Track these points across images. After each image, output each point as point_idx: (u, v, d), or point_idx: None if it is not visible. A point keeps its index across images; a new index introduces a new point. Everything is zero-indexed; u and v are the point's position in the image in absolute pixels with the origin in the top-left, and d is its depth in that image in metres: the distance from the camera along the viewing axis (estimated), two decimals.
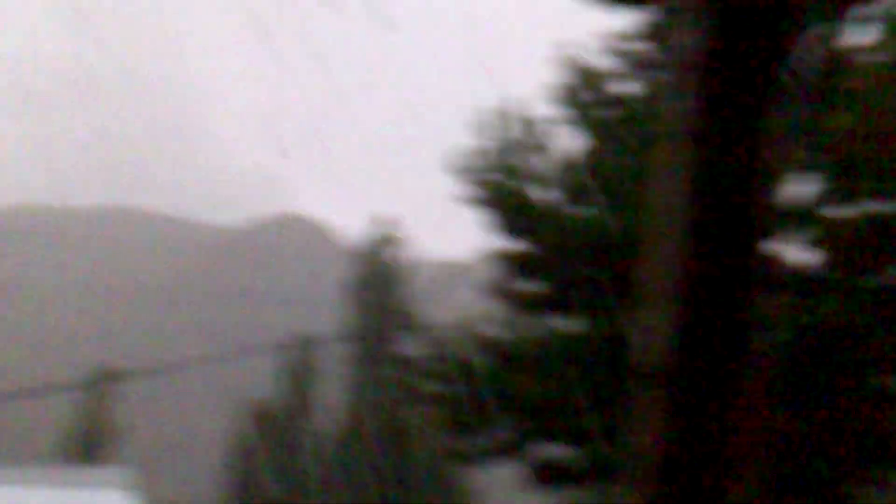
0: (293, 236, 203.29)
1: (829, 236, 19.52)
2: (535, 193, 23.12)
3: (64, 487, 40.16)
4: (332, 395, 63.61)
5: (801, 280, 19.01)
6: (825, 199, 19.84)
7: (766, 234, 4.18)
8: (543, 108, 23.44)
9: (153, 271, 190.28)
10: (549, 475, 22.69)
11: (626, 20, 21.94)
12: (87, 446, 65.38)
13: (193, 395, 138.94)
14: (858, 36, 19.67)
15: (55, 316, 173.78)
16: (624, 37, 22.31)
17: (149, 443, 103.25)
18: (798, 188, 19.64)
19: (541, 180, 23.13)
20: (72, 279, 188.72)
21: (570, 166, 22.79)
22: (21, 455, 75.09)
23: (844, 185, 19.40)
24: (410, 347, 44.91)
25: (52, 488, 39.85)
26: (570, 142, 23.19)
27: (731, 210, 4.12)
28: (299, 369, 62.86)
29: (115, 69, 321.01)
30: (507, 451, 22.91)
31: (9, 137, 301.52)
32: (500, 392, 21.79)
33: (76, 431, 66.10)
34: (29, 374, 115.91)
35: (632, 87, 22.58)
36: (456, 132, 24.66)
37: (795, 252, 19.64)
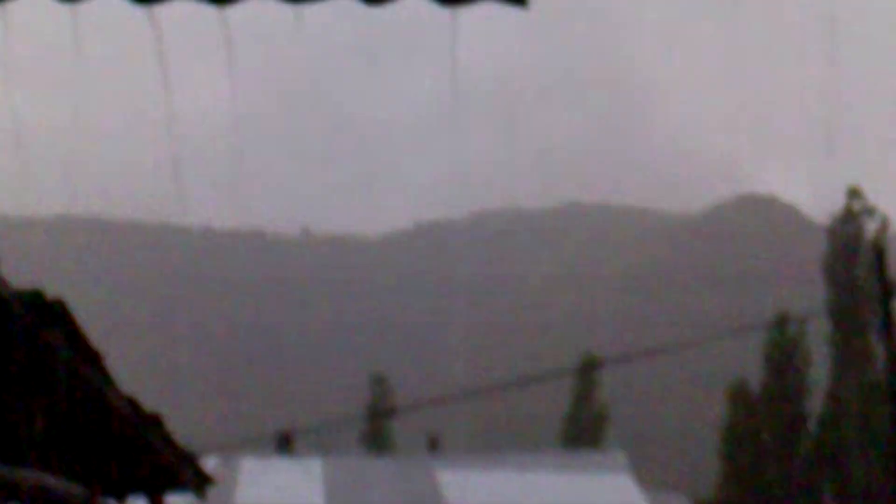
0: (758, 217, 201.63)
1: None
2: None
3: (568, 472, 42.57)
4: (815, 376, 62.82)
5: None
6: None
7: None
8: None
9: (624, 262, 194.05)
10: None
11: None
12: (580, 432, 68.22)
13: (673, 380, 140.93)
14: None
15: (543, 307, 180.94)
16: None
17: (634, 429, 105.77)
18: None
19: None
20: (551, 273, 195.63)
21: None
22: (522, 441, 78.98)
23: None
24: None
25: (557, 473, 42.34)
26: None
27: None
28: (780, 350, 62.12)
29: (559, 68, 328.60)
30: None
31: (489, 146, 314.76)
32: None
33: (570, 418, 69.14)
34: (524, 364, 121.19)
35: None
36: None
37: None
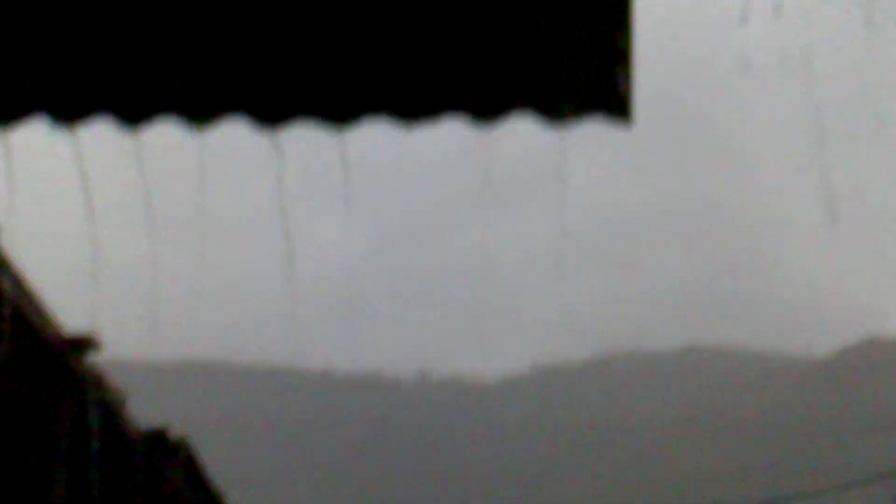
0: (888, 360, 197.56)
1: None
2: None
3: None
4: None
5: None
6: None
7: None
8: None
9: (746, 408, 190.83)
10: None
11: None
12: None
13: None
14: None
15: (663, 456, 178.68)
16: None
17: None
18: None
19: None
20: (671, 419, 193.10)
21: None
22: None
23: None
24: None
25: None
26: None
27: None
28: None
29: (676, 203, 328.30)
30: None
31: (607, 287, 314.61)
32: None
33: None
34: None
35: None
36: None
37: None
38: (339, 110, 4.27)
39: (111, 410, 8.66)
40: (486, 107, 4.31)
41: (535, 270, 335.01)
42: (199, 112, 4.24)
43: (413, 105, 4.30)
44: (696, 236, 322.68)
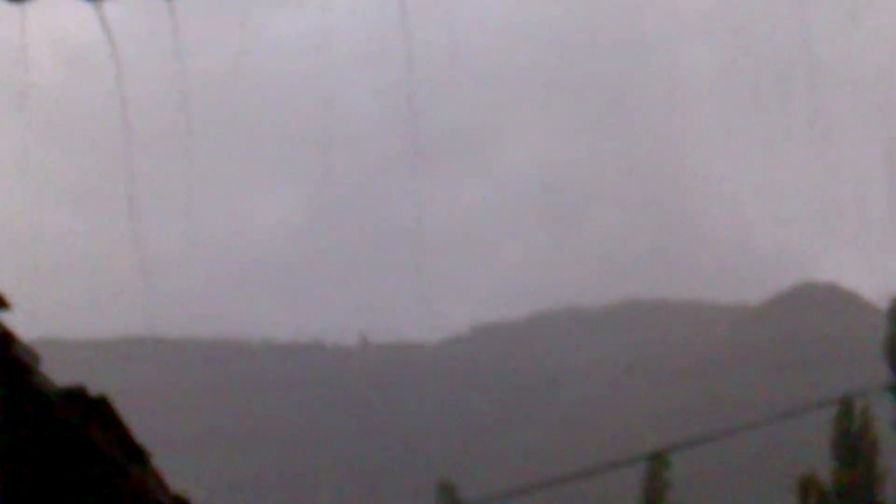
0: (818, 305, 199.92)
1: None
2: None
3: None
4: (886, 464, 61.50)
5: None
6: None
7: None
8: None
9: (684, 356, 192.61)
10: None
11: None
12: None
13: (741, 477, 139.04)
14: None
15: (604, 403, 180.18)
16: None
17: None
18: None
19: None
20: (611, 370, 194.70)
21: None
22: None
23: None
24: None
25: None
26: None
27: None
28: (847, 439, 60.79)
29: (610, 164, 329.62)
30: None
31: (545, 246, 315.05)
32: None
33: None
34: (590, 458, 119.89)
35: None
36: None
37: None
38: None
39: (26, 368, 8.51)
40: None
41: (471, 232, 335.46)
42: None
43: None
44: (631, 193, 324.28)
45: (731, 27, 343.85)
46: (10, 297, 8.87)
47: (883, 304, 68.57)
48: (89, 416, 9.27)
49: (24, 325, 8.90)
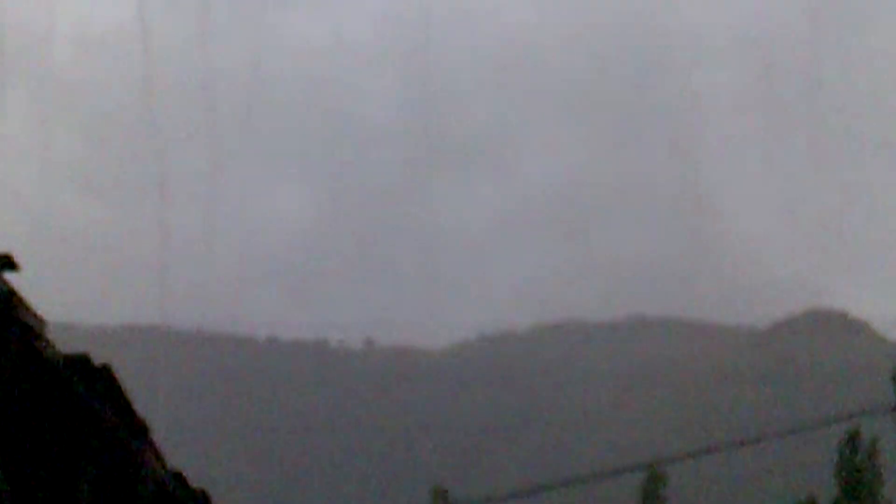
0: (827, 331, 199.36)
1: None
2: None
3: None
4: (889, 493, 61.12)
5: None
6: None
7: None
8: None
9: (688, 370, 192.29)
10: None
11: None
12: None
13: (744, 500, 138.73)
14: None
15: (604, 417, 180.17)
16: None
17: None
18: None
19: None
20: (612, 383, 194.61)
21: None
22: None
23: None
24: None
25: None
26: None
27: None
28: (852, 467, 60.00)
29: (626, 181, 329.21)
30: None
31: (555, 258, 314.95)
32: None
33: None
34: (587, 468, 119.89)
35: None
36: None
37: None
38: None
39: (32, 331, 8.51)
40: None
41: (482, 240, 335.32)
42: None
43: None
44: (644, 210, 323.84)
45: (750, 51, 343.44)
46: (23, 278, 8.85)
47: (892, 333, 68.30)
48: (92, 384, 9.26)
49: (39, 307, 8.90)
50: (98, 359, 9.56)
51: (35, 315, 8.61)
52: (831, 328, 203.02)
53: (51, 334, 8.89)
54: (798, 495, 63.97)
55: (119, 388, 9.51)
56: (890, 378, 61.63)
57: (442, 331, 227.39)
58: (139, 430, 9.95)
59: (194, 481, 11.95)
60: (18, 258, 8.54)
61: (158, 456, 10.42)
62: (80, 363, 9.01)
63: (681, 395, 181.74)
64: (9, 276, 8.40)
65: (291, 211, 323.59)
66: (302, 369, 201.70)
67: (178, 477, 11.15)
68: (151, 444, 10.22)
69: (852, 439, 61.25)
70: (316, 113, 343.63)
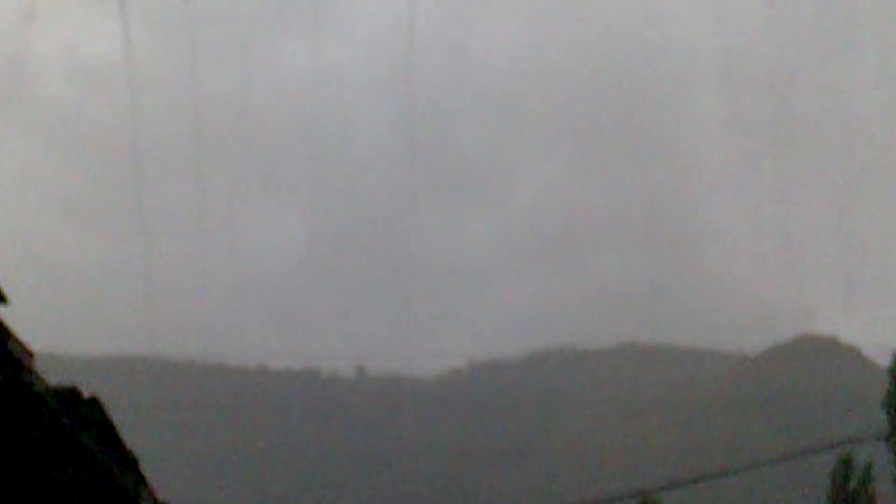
0: (818, 358, 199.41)
1: None
2: None
3: None
4: None
5: None
6: None
7: None
8: None
9: (679, 397, 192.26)
10: None
11: None
12: None
13: None
14: None
15: (606, 438, 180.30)
16: None
17: None
18: None
19: None
20: (605, 412, 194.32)
21: None
22: None
23: None
24: None
25: None
26: None
27: None
28: (848, 493, 59.77)
29: (617, 209, 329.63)
30: None
31: (547, 285, 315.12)
32: None
33: None
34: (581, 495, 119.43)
35: None
36: None
37: None
38: None
39: (20, 363, 8.44)
40: None
41: (474, 268, 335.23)
42: None
43: None
44: (635, 238, 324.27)
45: (741, 76, 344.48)
46: (13, 320, 8.81)
47: (883, 360, 68.16)
48: (80, 416, 9.19)
49: (27, 338, 8.83)
50: (87, 389, 9.50)
51: (23, 346, 8.55)
52: (822, 354, 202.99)
53: (39, 365, 8.83)
54: None
55: (107, 420, 9.44)
56: (880, 404, 61.54)
57: (434, 359, 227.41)
58: (128, 461, 9.88)
59: None
60: (6, 289, 8.49)
61: (147, 487, 10.35)
62: (68, 395, 8.95)
63: (674, 422, 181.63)
64: None
65: (281, 239, 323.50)
66: (293, 398, 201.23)
67: None
68: (140, 475, 10.15)
69: (845, 465, 61.07)
70: (306, 142, 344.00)
